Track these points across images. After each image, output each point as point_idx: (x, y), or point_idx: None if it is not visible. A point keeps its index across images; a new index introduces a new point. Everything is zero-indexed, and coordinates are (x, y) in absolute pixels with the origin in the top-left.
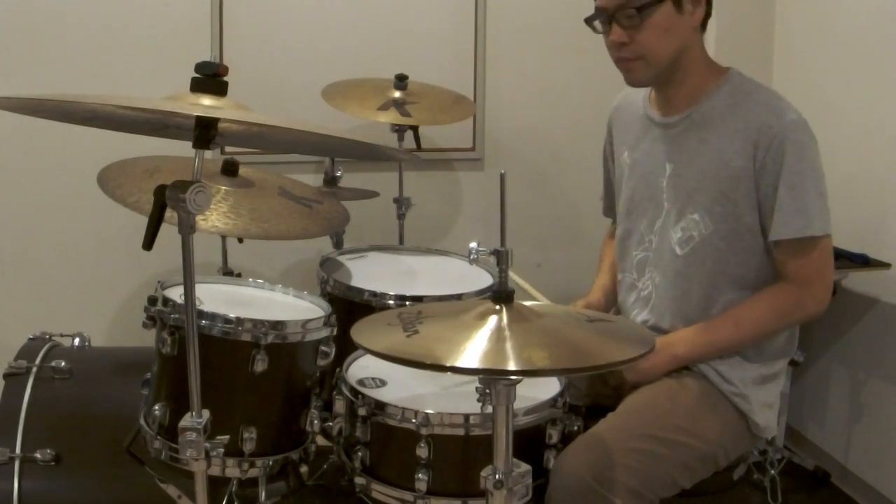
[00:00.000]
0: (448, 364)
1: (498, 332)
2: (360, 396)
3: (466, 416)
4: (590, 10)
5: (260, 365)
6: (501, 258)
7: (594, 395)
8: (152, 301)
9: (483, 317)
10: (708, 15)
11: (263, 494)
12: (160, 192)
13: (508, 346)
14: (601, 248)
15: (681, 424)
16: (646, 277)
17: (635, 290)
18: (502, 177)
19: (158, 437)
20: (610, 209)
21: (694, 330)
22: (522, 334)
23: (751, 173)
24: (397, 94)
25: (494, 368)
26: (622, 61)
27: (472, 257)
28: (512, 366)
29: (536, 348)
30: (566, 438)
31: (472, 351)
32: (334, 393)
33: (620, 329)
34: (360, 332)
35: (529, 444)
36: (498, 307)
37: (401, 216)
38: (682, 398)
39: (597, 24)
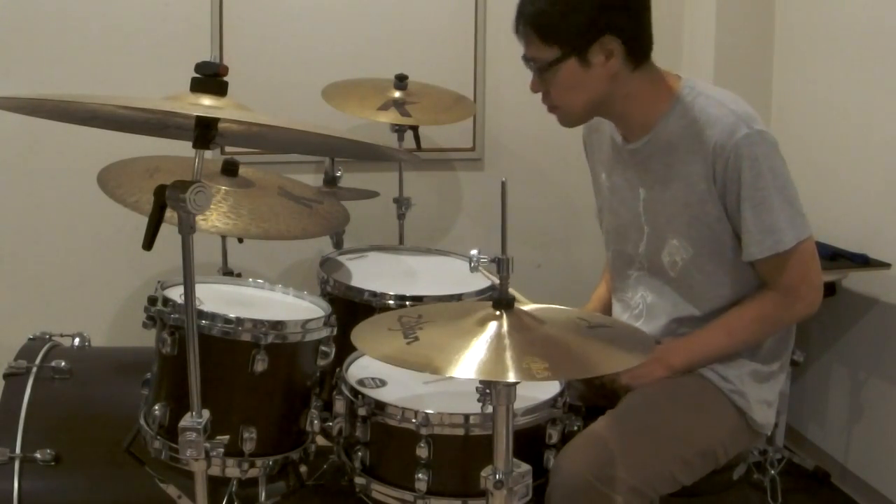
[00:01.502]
0: (447, 375)
1: (497, 339)
2: (360, 396)
3: (466, 416)
4: None
5: (260, 365)
6: (502, 266)
7: (591, 397)
8: (152, 301)
9: (483, 323)
10: (638, 53)
11: (263, 494)
12: (160, 192)
13: (508, 355)
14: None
15: (680, 421)
16: (638, 297)
17: (629, 308)
18: (503, 185)
19: (158, 437)
20: None
21: (688, 340)
22: (522, 343)
23: (715, 195)
24: (397, 94)
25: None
26: (547, 107)
27: (472, 265)
28: (511, 377)
29: (536, 358)
30: (566, 438)
31: (471, 360)
32: (334, 393)
33: (620, 335)
34: (361, 336)
35: (529, 444)
36: (498, 313)
37: (401, 216)
38: (681, 395)
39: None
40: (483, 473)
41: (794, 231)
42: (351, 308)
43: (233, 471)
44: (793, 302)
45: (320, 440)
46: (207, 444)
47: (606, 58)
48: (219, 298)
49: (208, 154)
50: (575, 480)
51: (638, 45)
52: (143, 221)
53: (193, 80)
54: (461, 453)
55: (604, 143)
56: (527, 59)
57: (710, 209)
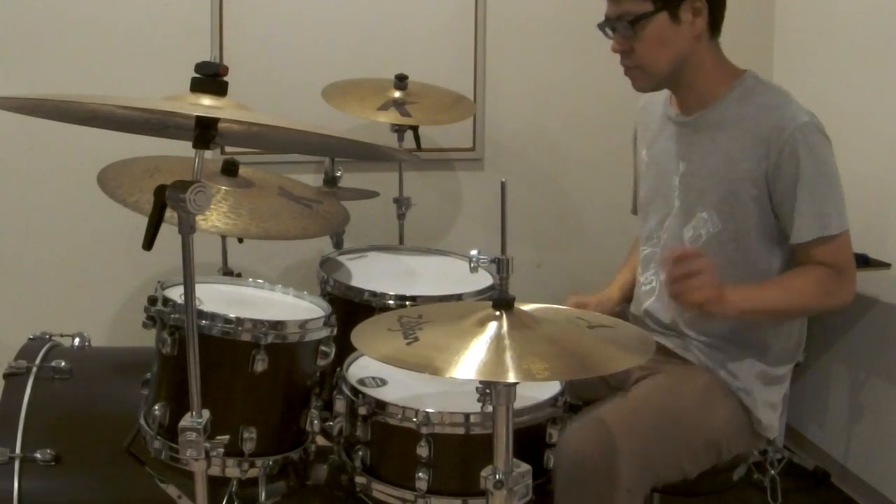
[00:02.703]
0: (447, 376)
1: (497, 340)
2: (360, 396)
3: (467, 416)
4: (589, 11)
5: (260, 365)
6: (502, 266)
7: (596, 394)
8: (152, 301)
9: (483, 323)
10: (716, 20)
11: (263, 494)
12: (160, 192)
13: (508, 356)
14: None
15: (688, 408)
16: (650, 272)
17: (639, 284)
18: (503, 185)
19: (158, 437)
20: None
21: (747, 288)
22: (522, 342)
23: (761, 175)
24: (397, 94)
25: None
26: (625, 69)
27: (472, 265)
28: (511, 378)
29: (536, 358)
30: None
31: (471, 361)
32: (334, 393)
33: (620, 336)
34: (361, 337)
35: (529, 443)
36: (498, 313)
37: (401, 216)
38: (690, 387)
39: (607, 30)
40: (483, 473)
41: (839, 220)
42: (351, 308)
43: (233, 471)
44: (843, 279)
45: (320, 440)
46: (207, 444)
47: (694, 16)
48: (219, 298)
49: (208, 154)
50: (581, 455)
51: (719, 12)
52: (143, 221)
53: (193, 80)
54: (461, 453)
55: (652, 119)
56: (610, 20)
57: (749, 187)
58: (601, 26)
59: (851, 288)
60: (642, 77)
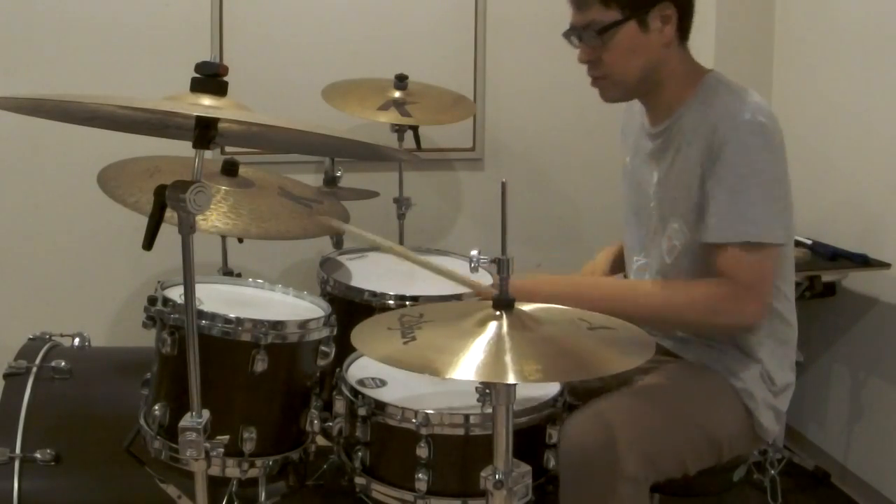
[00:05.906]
0: (445, 377)
1: (497, 341)
2: (360, 396)
3: (466, 416)
4: None
5: (260, 365)
6: (502, 266)
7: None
8: (152, 301)
9: (483, 323)
10: (685, 26)
11: (263, 494)
12: (160, 192)
13: (507, 357)
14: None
15: (692, 402)
16: None
17: None
18: (503, 185)
19: (158, 437)
20: None
21: (585, 283)
22: (520, 344)
23: (703, 180)
24: (397, 94)
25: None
26: (592, 79)
27: (472, 265)
28: (510, 379)
29: (530, 360)
30: None
31: (470, 362)
32: (334, 393)
33: (621, 337)
34: (359, 336)
35: (529, 444)
36: (498, 314)
37: (401, 216)
38: (694, 383)
39: (573, 39)
40: (483, 473)
41: (769, 230)
42: (351, 308)
43: (233, 471)
44: (745, 301)
45: (320, 440)
46: (207, 444)
47: (663, 24)
48: (219, 298)
49: (208, 154)
50: (585, 445)
51: (688, 18)
52: (143, 221)
53: (193, 80)
54: (461, 453)
55: (634, 127)
56: (576, 29)
57: (703, 192)
58: (567, 35)
59: (756, 309)
60: (611, 87)
